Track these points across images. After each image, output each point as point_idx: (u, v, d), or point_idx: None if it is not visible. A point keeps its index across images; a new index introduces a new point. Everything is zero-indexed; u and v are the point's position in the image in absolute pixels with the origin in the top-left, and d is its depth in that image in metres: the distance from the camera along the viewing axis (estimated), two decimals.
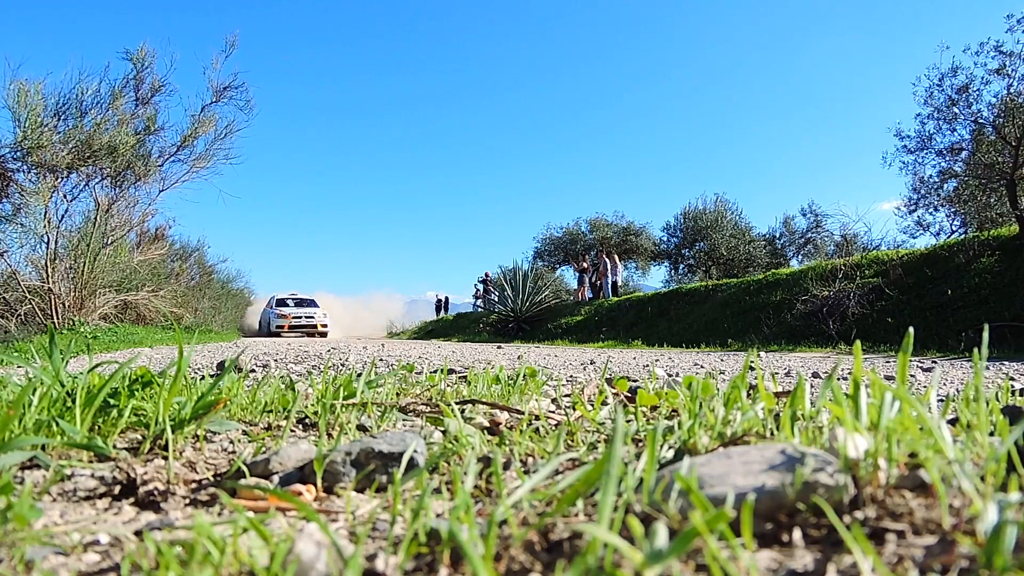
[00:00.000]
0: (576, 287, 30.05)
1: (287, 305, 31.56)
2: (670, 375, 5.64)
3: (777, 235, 34.07)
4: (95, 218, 18.45)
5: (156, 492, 1.09)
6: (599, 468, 0.76)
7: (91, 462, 1.30)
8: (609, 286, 26.81)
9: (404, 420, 1.95)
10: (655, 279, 37.83)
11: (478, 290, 34.28)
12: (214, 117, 18.48)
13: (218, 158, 18.64)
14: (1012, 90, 16.77)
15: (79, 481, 1.18)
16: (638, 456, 1.05)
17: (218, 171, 19.07)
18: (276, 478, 1.20)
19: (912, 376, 5.42)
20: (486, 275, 32.99)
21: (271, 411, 1.91)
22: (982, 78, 17.52)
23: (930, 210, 21.20)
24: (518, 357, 9.41)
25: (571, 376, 5.03)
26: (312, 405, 1.91)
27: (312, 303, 32.05)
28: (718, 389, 1.76)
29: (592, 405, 2.23)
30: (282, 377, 2.63)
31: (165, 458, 1.33)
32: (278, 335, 29.35)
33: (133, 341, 15.40)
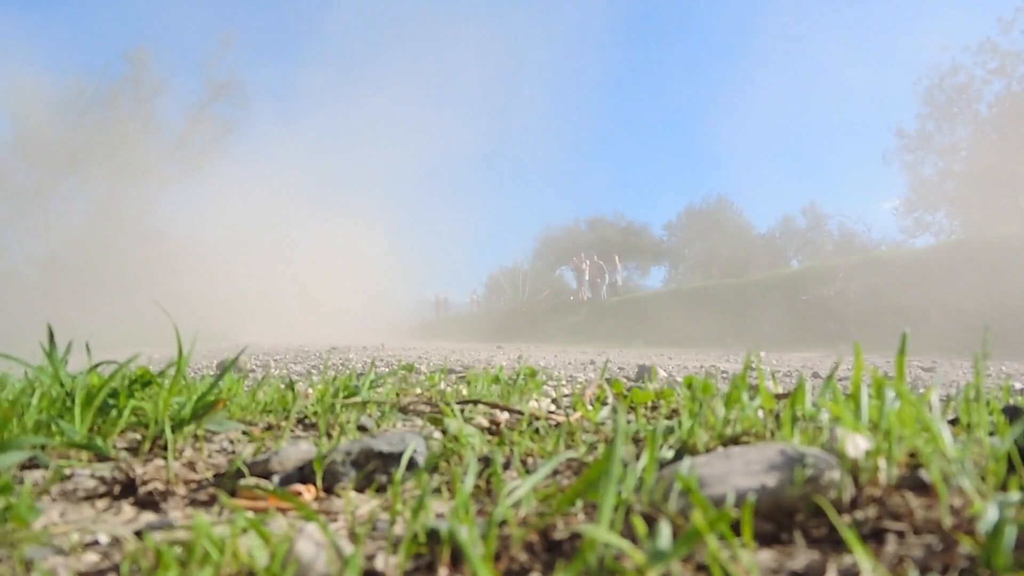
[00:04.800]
0: (576, 287, 29.99)
1: None
2: (670, 375, 5.65)
3: (777, 235, 34.09)
4: (94, 218, 18.49)
5: (156, 492, 1.09)
6: (599, 468, 0.76)
7: (91, 462, 1.29)
8: (607, 286, 26.81)
9: (404, 420, 1.95)
10: (655, 279, 37.83)
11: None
12: (211, 115, 18.51)
13: (215, 157, 18.67)
14: (1011, 89, 16.78)
15: (79, 481, 1.18)
16: (638, 456, 1.05)
17: (216, 171, 19.11)
18: (276, 478, 1.20)
19: (913, 376, 5.42)
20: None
21: (271, 411, 1.91)
22: (982, 78, 17.54)
23: (929, 210, 21.21)
24: (518, 357, 9.41)
25: (571, 376, 5.03)
26: (312, 405, 1.91)
27: None
28: (718, 389, 1.76)
29: (592, 405, 2.23)
30: (282, 377, 2.63)
31: (165, 458, 1.33)
32: None
33: (133, 341, 15.40)
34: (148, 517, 1.01)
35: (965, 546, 0.66)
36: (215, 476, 1.23)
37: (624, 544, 0.61)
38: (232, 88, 19.13)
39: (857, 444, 0.86)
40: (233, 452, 1.46)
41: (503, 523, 0.82)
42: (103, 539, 0.89)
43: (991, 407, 1.31)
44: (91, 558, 0.83)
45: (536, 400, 2.22)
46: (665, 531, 0.64)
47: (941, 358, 9.29)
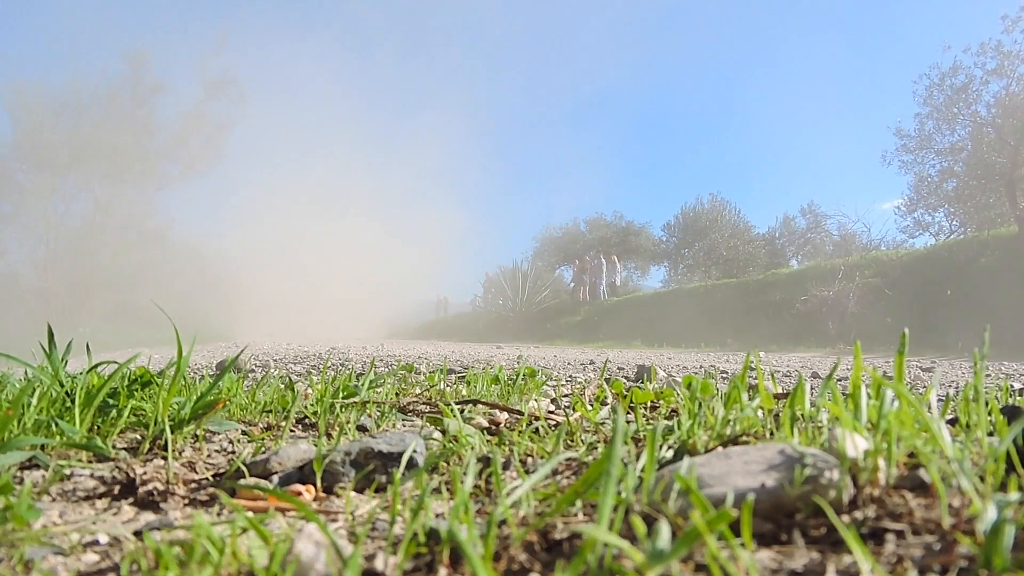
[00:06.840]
0: (575, 287, 29.95)
1: None
2: (670, 375, 5.64)
3: (777, 235, 34.06)
4: (94, 218, 18.49)
5: (155, 492, 1.09)
6: (598, 468, 0.76)
7: (90, 462, 1.29)
8: (604, 286, 26.78)
9: (404, 420, 1.95)
10: (655, 279, 37.82)
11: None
12: (206, 115, 18.52)
13: (213, 156, 18.68)
14: (1010, 90, 16.78)
15: (78, 481, 1.18)
16: (638, 456, 1.05)
17: (214, 169, 19.14)
18: (276, 478, 1.20)
19: (912, 376, 5.42)
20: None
21: (270, 411, 1.91)
22: (981, 78, 17.54)
23: (929, 210, 21.23)
24: (518, 357, 9.40)
25: (571, 376, 5.03)
26: (312, 405, 1.91)
27: None
28: (717, 389, 1.76)
29: (592, 405, 2.23)
30: (281, 377, 2.63)
31: (164, 458, 1.33)
32: None
33: (133, 341, 15.39)
34: (148, 517, 1.01)
35: (964, 546, 0.66)
36: (215, 476, 1.23)
37: (624, 544, 0.61)
38: (228, 86, 19.22)
39: (856, 444, 0.86)
40: (233, 452, 1.46)
41: (503, 523, 0.82)
42: (103, 539, 0.89)
43: (990, 407, 1.31)
44: (91, 558, 0.83)
45: (535, 400, 2.22)
46: (664, 531, 0.64)
47: (940, 358, 9.30)
